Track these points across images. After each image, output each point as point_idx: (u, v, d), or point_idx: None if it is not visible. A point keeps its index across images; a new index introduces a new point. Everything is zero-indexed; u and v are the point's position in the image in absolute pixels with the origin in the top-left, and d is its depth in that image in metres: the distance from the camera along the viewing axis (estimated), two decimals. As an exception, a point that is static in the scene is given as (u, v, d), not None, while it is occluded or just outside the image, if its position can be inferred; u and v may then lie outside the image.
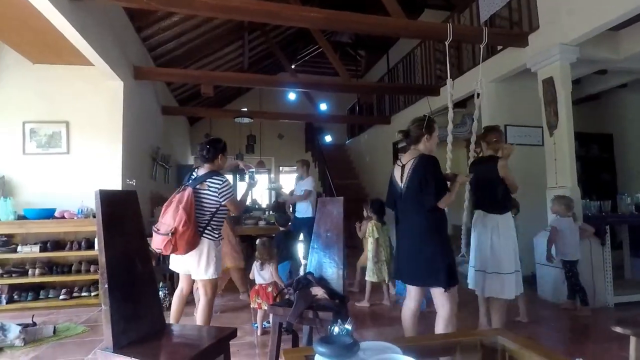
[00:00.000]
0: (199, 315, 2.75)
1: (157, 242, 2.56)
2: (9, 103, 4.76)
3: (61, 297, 4.24)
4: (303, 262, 5.19)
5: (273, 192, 10.02)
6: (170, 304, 4.00)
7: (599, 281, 4.02)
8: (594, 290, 3.97)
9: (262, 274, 3.34)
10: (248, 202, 4.13)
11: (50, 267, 4.39)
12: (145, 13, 5.50)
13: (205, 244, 2.67)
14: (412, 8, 7.50)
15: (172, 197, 2.69)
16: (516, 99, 5.43)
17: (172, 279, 4.40)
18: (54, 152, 4.79)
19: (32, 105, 4.79)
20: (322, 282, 2.45)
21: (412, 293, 2.47)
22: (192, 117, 11.39)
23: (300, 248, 5.90)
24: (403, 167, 2.46)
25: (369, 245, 4.24)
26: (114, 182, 4.79)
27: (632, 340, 1.87)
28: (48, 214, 4.37)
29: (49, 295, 4.29)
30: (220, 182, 2.72)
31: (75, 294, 4.35)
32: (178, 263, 2.81)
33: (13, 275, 4.23)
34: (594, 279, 4.00)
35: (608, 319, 3.63)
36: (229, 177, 3.21)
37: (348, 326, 1.26)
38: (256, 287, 3.37)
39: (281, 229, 4.51)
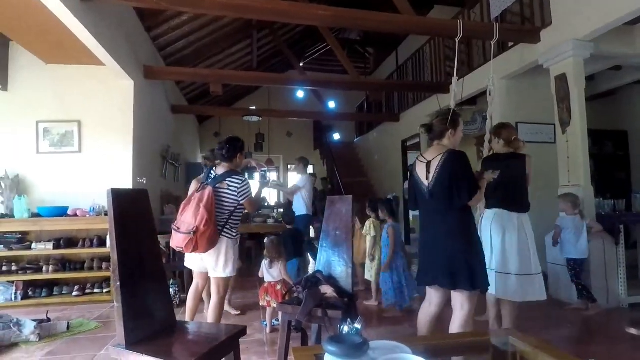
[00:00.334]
0: (210, 312, 2.77)
1: (178, 241, 2.58)
2: (23, 103, 4.84)
3: (74, 293, 4.32)
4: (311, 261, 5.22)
5: (280, 192, 10.02)
6: (180, 302, 4.06)
7: (613, 281, 3.95)
8: (607, 291, 3.91)
9: (271, 272, 3.35)
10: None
11: (64, 264, 4.47)
12: (155, 12, 5.54)
13: (224, 242, 2.70)
14: (421, 4, 7.43)
15: (191, 195, 2.70)
16: (527, 95, 5.36)
17: (182, 276, 4.45)
18: (66, 151, 4.86)
19: (45, 105, 4.86)
20: (330, 280, 2.45)
21: (432, 297, 2.35)
22: (201, 116, 11.46)
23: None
24: (428, 164, 2.31)
25: (367, 243, 4.25)
26: (125, 181, 4.85)
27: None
28: (61, 212, 4.44)
29: (63, 292, 4.36)
30: (240, 182, 2.75)
31: (87, 291, 4.42)
32: (194, 260, 2.83)
33: (28, 272, 4.32)
34: (607, 278, 3.94)
35: (622, 320, 3.58)
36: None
37: (358, 325, 1.26)
38: (265, 285, 3.38)
39: (288, 226, 4.51)
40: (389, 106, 10.05)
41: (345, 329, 1.25)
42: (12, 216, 4.37)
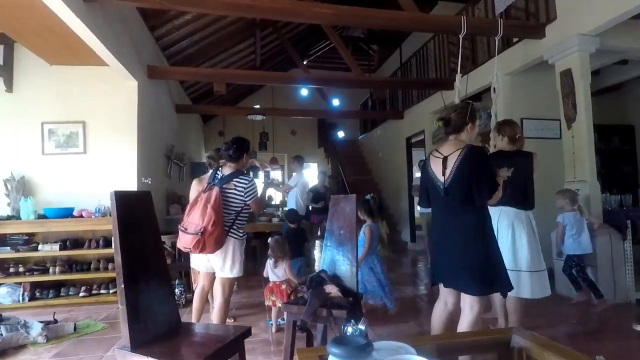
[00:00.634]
0: (215, 313, 2.77)
1: (185, 242, 2.58)
2: (28, 104, 4.86)
3: (81, 294, 4.34)
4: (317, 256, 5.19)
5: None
6: (186, 302, 4.08)
7: (620, 277, 3.92)
8: (615, 286, 3.89)
9: (276, 272, 3.36)
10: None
11: (70, 265, 4.50)
12: (158, 12, 5.55)
13: (231, 242, 2.71)
14: (424, 1, 7.39)
15: (198, 196, 2.71)
16: (532, 91, 5.31)
17: (187, 276, 4.46)
18: (71, 152, 4.89)
19: (50, 106, 4.89)
20: (335, 279, 2.44)
21: (448, 296, 2.28)
22: (205, 115, 11.48)
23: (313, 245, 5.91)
24: (445, 159, 2.19)
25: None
26: (130, 181, 4.87)
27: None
28: (67, 213, 4.47)
29: (70, 293, 4.38)
30: (247, 182, 2.76)
31: (94, 292, 4.44)
32: (201, 261, 2.84)
33: (34, 273, 4.35)
34: (614, 274, 3.91)
35: (629, 316, 3.55)
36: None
37: (362, 326, 1.25)
38: (270, 285, 3.38)
39: (291, 225, 4.51)
40: (392, 103, 10.01)
41: (349, 329, 1.24)
42: (19, 217, 4.40)
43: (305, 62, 11.58)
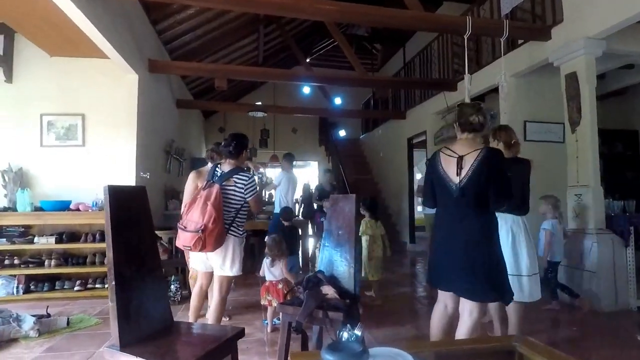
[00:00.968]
0: (211, 311, 2.73)
1: (185, 240, 2.53)
2: (27, 96, 4.82)
3: (76, 288, 4.30)
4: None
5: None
6: (181, 298, 4.04)
7: (622, 283, 3.87)
8: (616, 293, 3.84)
9: (273, 271, 3.31)
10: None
11: (66, 258, 4.46)
12: (161, 6, 5.50)
13: (231, 240, 2.66)
14: (430, 1, 7.33)
15: (197, 194, 2.67)
16: (536, 94, 5.25)
17: (184, 272, 4.42)
18: (70, 144, 4.85)
19: (49, 97, 4.85)
20: (332, 280, 2.40)
21: (448, 300, 2.21)
22: (207, 111, 11.43)
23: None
24: (460, 159, 2.07)
25: (363, 243, 4.20)
26: (128, 175, 4.82)
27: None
28: (64, 206, 4.42)
29: (65, 287, 4.35)
30: (247, 179, 2.72)
31: (89, 286, 4.41)
32: (199, 260, 2.80)
33: (30, 265, 4.31)
34: (616, 281, 3.86)
35: (631, 324, 3.51)
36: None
37: (358, 331, 1.21)
38: (266, 284, 3.34)
39: (285, 223, 4.46)
40: (395, 103, 9.96)
41: (345, 335, 1.19)
42: (15, 209, 4.36)
43: (308, 60, 11.52)
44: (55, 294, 4.25)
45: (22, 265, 4.30)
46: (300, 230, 6.50)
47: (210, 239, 2.49)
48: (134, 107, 4.97)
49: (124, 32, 4.50)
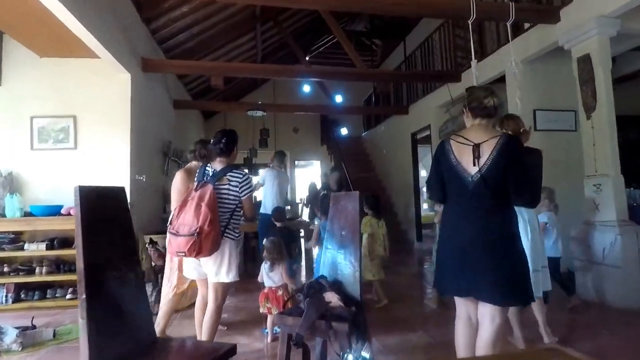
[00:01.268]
0: (206, 321, 2.50)
1: (178, 245, 2.31)
2: (17, 98, 4.69)
3: (68, 296, 4.12)
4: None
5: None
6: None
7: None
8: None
9: (272, 276, 3.08)
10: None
11: (58, 265, 4.29)
12: (153, 4, 5.32)
13: (226, 243, 2.45)
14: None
15: (187, 195, 2.45)
16: (545, 81, 5.01)
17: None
18: (61, 147, 4.69)
19: (39, 99, 4.71)
20: (336, 285, 2.18)
21: (471, 311, 1.95)
22: (207, 112, 11.24)
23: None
24: (477, 147, 1.86)
25: (363, 242, 3.98)
26: (122, 178, 4.64)
27: None
28: (55, 211, 4.24)
29: (56, 295, 4.17)
30: (241, 176, 2.53)
31: (82, 294, 4.21)
32: (192, 268, 2.58)
33: (20, 273, 4.14)
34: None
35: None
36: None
37: (366, 353, 1.00)
38: (265, 291, 3.11)
39: (277, 224, 4.25)
40: (397, 98, 9.74)
41: (350, 359, 0.98)
42: (4, 215, 4.18)
43: (307, 58, 11.30)
44: (46, 303, 4.07)
45: (11, 274, 4.12)
46: (302, 232, 6.31)
47: (206, 242, 2.28)
48: (127, 108, 4.82)
49: (115, 30, 4.34)
